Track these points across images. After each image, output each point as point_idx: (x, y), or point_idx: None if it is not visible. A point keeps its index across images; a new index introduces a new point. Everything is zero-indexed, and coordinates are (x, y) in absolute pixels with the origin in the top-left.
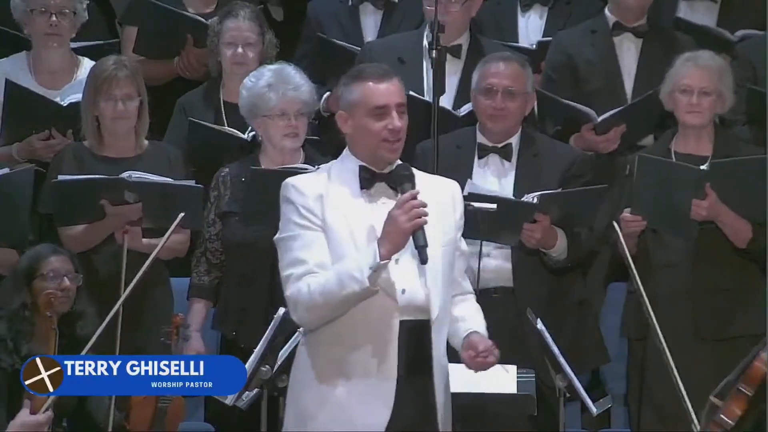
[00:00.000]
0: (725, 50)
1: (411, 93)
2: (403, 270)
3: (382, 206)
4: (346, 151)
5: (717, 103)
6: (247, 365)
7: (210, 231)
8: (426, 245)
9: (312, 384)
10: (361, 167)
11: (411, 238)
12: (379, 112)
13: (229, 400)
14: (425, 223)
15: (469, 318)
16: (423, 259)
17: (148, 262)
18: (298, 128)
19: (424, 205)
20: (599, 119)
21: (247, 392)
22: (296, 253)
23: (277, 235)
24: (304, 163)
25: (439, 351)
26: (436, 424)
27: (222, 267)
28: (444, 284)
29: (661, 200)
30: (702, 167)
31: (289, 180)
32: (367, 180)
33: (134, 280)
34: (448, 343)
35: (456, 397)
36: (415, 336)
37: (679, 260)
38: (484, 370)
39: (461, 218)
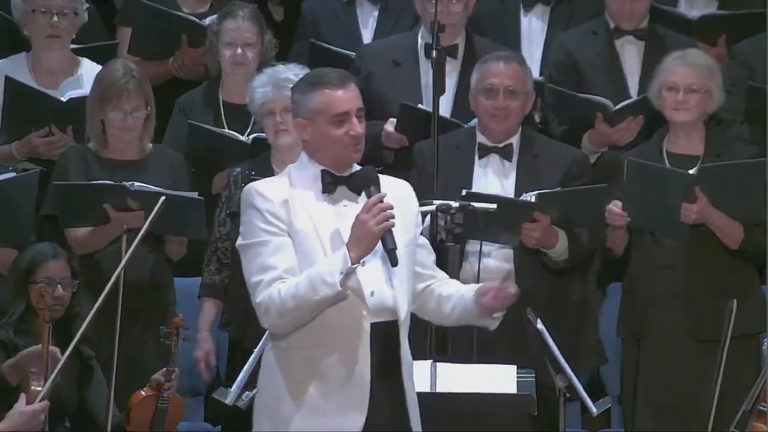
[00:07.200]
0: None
1: (406, 103)
2: (369, 272)
3: (344, 209)
4: (304, 155)
5: (705, 101)
6: (247, 365)
7: (220, 230)
8: (395, 248)
9: (285, 389)
10: (323, 171)
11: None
12: (339, 119)
13: (229, 400)
14: (393, 225)
15: (464, 288)
16: (393, 262)
17: (135, 243)
18: (288, 125)
19: (392, 208)
20: (616, 107)
21: (247, 392)
22: (265, 258)
23: (239, 241)
24: None
25: (405, 350)
26: (409, 423)
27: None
28: (408, 284)
29: (651, 204)
30: (691, 171)
31: (253, 185)
32: (330, 184)
33: (123, 261)
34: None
35: (456, 397)
36: (385, 337)
37: (675, 261)
38: (507, 304)
39: (418, 215)
